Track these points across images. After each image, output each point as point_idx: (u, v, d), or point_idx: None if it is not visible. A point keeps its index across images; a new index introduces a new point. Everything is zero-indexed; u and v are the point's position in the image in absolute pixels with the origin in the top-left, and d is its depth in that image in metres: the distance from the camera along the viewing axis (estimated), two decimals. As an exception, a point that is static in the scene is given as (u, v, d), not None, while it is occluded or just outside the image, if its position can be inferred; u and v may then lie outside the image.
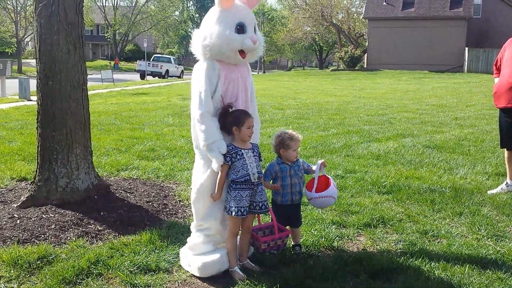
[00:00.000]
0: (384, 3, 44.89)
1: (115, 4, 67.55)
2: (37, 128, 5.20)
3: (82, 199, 5.12)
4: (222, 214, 3.90)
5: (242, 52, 3.80)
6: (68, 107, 5.10)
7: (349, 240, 4.46)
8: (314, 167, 4.21)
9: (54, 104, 5.06)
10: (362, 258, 3.95)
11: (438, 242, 4.40)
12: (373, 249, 4.25)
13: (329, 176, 4.21)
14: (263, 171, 3.99)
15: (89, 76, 5.58)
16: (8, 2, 51.43)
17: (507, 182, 5.88)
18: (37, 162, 5.20)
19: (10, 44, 52.87)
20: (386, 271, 3.73)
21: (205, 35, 3.78)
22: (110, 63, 61.65)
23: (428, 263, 3.88)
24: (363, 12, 48.00)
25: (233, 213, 3.74)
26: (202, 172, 3.91)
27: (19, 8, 50.90)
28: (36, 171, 5.21)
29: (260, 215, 4.13)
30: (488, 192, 5.79)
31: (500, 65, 5.90)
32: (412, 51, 42.34)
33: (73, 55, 5.11)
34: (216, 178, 3.82)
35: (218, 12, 3.81)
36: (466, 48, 40.72)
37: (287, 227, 4.19)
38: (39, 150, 5.17)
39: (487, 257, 4.04)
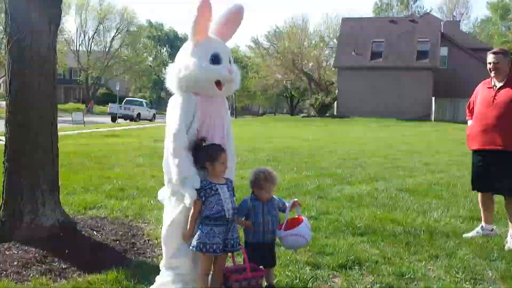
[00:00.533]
0: (353, 53, 45.88)
1: (89, 49, 67.64)
2: (3, 162, 5.01)
3: (47, 236, 4.89)
4: (194, 253, 3.74)
5: (218, 84, 3.74)
6: (36, 141, 4.94)
7: (324, 281, 4.32)
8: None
9: (22, 137, 4.92)
10: (338, 300, 3.82)
11: (415, 285, 4.29)
12: (349, 291, 4.12)
13: (303, 217, 4.08)
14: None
15: (59, 118, 5.43)
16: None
17: (482, 226, 5.85)
18: (2, 197, 5.01)
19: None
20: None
21: (179, 67, 3.72)
22: (85, 106, 61.05)
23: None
24: (333, 61, 48.97)
25: (204, 250, 3.58)
26: (174, 207, 3.77)
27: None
28: (1, 207, 5.01)
29: (234, 255, 3.99)
30: (464, 235, 5.74)
31: (473, 108, 5.96)
32: (380, 99, 43.04)
33: (45, 89, 4.98)
34: (187, 215, 3.69)
35: (192, 46, 3.78)
36: (433, 98, 41.66)
37: (261, 266, 4.04)
38: (4, 184, 4.99)
39: (466, 299, 3.94)
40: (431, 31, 45.97)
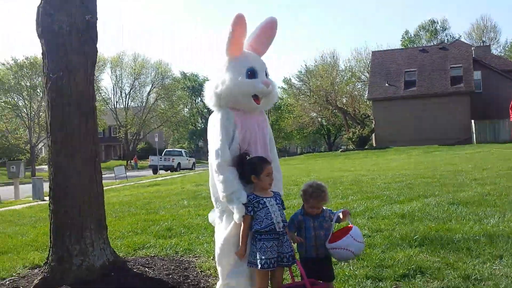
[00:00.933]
0: (386, 84, 45.63)
1: (126, 105, 69.17)
2: (49, 205, 5.02)
3: (98, 276, 4.81)
4: (250, 270, 3.63)
5: (256, 98, 3.71)
6: (80, 179, 4.92)
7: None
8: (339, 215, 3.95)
9: (65, 177, 4.90)
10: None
11: (483, 284, 4.07)
12: (415, 299, 3.92)
13: (353, 226, 3.91)
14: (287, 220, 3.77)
15: (102, 175, 5.41)
16: (23, 110, 52.98)
17: None
18: (50, 241, 4.96)
19: (24, 152, 53.76)
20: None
21: (216, 83, 3.73)
22: (129, 161, 61.95)
23: (477, 305, 3.55)
24: (366, 94, 48.78)
25: (259, 266, 3.48)
26: (224, 227, 3.70)
27: (32, 114, 52.26)
28: (49, 251, 4.96)
29: (293, 271, 3.86)
30: None
31: None
32: (419, 127, 42.44)
33: (85, 126, 5.00)
34: (239, 232, 3.61)
35: (227, 61, 3.78)
36: (472, 121, 40.89)
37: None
38: (51, 227, 4.94)
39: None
40: (462, 56, 45.53)
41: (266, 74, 3.85)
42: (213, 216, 3.89)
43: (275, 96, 3.93)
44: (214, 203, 3.84)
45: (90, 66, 5.13)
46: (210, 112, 3.94)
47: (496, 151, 25.75)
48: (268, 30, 3.93)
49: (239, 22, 3.61)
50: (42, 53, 4.98)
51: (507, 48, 73.55)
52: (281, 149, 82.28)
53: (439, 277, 4.33)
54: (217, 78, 3.77)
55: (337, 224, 3.97)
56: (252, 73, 3.73)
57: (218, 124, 3.69)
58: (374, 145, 46.25)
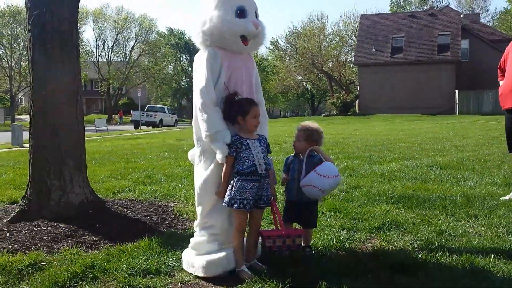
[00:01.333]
0: (373, 49, 45.48)
1: (109, 60, 68.10)
2: (29, 140, 4.97)
3: (76, 213, 4.82)
4: (229, 211, 3.64)
5: (244, 39, 3.64)
6: (61, 116, 4.88)
7: (361, 242, 4.19)
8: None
9: (47, 113, 4.85)
10: (379, 255, 3.70)
11: (456, 240, 4.13)
12: (389, 249, 3.97)
13: (326, 162, 3.78)
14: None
15: (83, 115, 5.34)
16: (3, 58, 52.04)
17: None
18: (29, 175, 4.94)
19: (4, 100, 53.03)
20: (406, 266, 3.45)
21: (204, 20, 3.61)
22: (114, 116, 60.92)
23: (449, 257, 3.62)
24: (353, 59, 48.65)
25: (235, 206, 3.48)
26: (204, 167, 3.67)
27: (13, 63, 51.37)
28: (28, 185, 4.95)
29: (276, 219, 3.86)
30: (501, 198, 5.56)
31: (504, 67, 5.80)
32: (403, 95, 42.59)
33: (67, 64, 4.93)
34: (220, 172, 3.59)
35: None
36: (456, 91, 41.05)
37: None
38: (30, 163, 4.92)
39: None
40: (451, 24, 45.34)
41: (256, 15, 3.76)
42: (193, 155, 3.86)
43: (263, 38, 3.84)
44: (195, 142, 3.80)
45: (74, 3, 5.02)
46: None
47: (478, 122, 25.99)
48: None
49: None
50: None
51: (496, 18, 73.40)
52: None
53: (413, 231, 4.38)
54: (205, 13, 3.65)
55: None
56: (241, 12, 3.61)
57: (204, 62, 3.59)
58: (357, 111, 46.38)
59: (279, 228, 3.74)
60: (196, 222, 3.78)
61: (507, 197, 5.57)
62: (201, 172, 3.68)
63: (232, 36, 3.58)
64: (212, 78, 3.56)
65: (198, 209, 3.73)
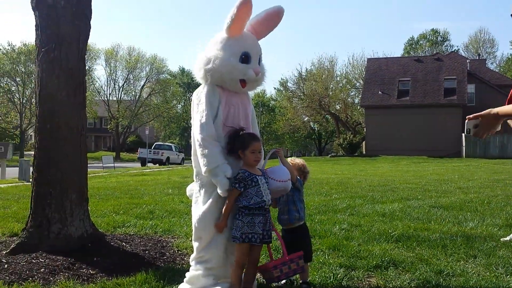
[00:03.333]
0: (379, 92, 45.78)
1: (119, 98, 68.69)
2: (32, 173, 5.04)
3: (76, 246, 4.84)
4: (225, 245, 3.65)
5: (243, 82, 3.72)
6: (65, 151, 4.96)
7: (359, 281, 4.16)
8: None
9: (51, 147, 4.94)
10: (376, 293, 3.67)
11: (454, 280, 4.11)
12: (386, 287, 3.95)
13: (280, 165, 3.87)
14: None
15: (90, 165, 5.44)
16: (15, 95, 52.92)
17: None
18: (30, 207, 4.99)
19: (14, 136, 53.62)
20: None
21: (209, 58, 3.70)
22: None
23: (446, 296, 3.59)
24: (360, 101, 48.91)
25: (247, 240, 3.51)
26: (204, 202, 3.70)
27: (24, 100, 52.15)
28: (29, 217, 4.99)
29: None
30: (502, 239, 5.53)
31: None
32: (409, 137, 42.61)
33: (73, 100, 5.03)
34: (219, 206, 3.63)
35: (225, 39, 3.74)
36: (463, 134, 41.04)
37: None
38: (33, 195, 4.97)
39: (509, 290, 3.75)
40: (457, 68, 45.71)
41: (260, 60, 3.86)
42: (191, 190, 3.90)
43: (262, 82, 3.93)
44: (194, 177, 3.84)
45: (82, 41, 5.17)
46: None
47: (484, 165, 25.92)
48: (275, 17, 3.88)
49: (246, 2, 3.54)
50: (36, 25, 5.00)
51: (502, 64, 73.90)
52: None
53: (411, 270, 4.35)
54: (210, 52, 3.74)
55: None
56: (246, 58, 3.71)
57: (204, 98, 3.68)
58: (364, 152, 46.38)
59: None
60: (192, 256, 3.79)
61: (507, 238, 5.54)
62: (200, 206, 3.71)
63: (232, 79, 3.68)
64: (211, 114, 3.64)
65: (195, 244, 3.75)
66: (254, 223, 3.55)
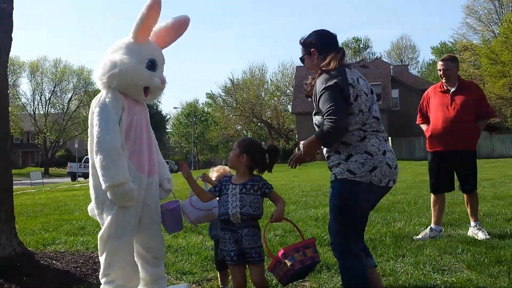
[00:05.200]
0: (309, 99, 46.31)
1: (46, 112, 66.40)
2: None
3: (3, 266, 4.66)
4: (130, 260, 3.63)
5: (146, 90, 3.68)
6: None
7: (294, 285, 4.23)
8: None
9: (-28, 165, 4.75)
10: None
11: (385, 279, 4.26)
12: (319, 290, 4.04)
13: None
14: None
15: (17, 181, 5.26)
16: None
17: (431, 227, 5.95)
18: (-47, 228, 4.76)
19: None
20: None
21: (114, 62, 3.56)
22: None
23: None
24: (291, 108, 49.65)
25: (221, 257, 3.43)
26: (106, 219, 3.61)
27: None
28: (-48, 238, 4.76)
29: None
30: (414, 237, 5.79)
31: (426, 111, 6.14)
32: (339, 143, 43.52)
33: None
34: (121, 221, 3.56)
35: (130, 43, 3.66)
36: (390, 138, 42.40)
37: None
38: (-45, 214, 4.75)
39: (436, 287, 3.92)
40: (381, 74, 47.31)
41: (163, 70, 3.85)
42: (93, 209, 3.79)
43: (162, 92, 3.87)
44: (93, 197, 3.72)
45: (4, 54, 5.01)
46: None
47: (410, 167, 26.86)
48: (181, 26, 3.84)
49: (155, 7, 3.48)
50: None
51: (424, 69, 77.03)
52: (206, 161, 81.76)
53: (342, 271, 4.47)
54: (114, 56, 3.61)
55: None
56: (152, 65, 3.66)
57: (109, 105, 3.51)
58: (297, 159, 46.94)
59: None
60: (100, 273, 3.69)
61: (419, 236, 5.85)
62: (103, 227, 3.63)
63: (136, 86, 3.61)
64: (116, 122, 3.53)
65: (101, 259, 3.67)
66: (225, 239, 3.39)
